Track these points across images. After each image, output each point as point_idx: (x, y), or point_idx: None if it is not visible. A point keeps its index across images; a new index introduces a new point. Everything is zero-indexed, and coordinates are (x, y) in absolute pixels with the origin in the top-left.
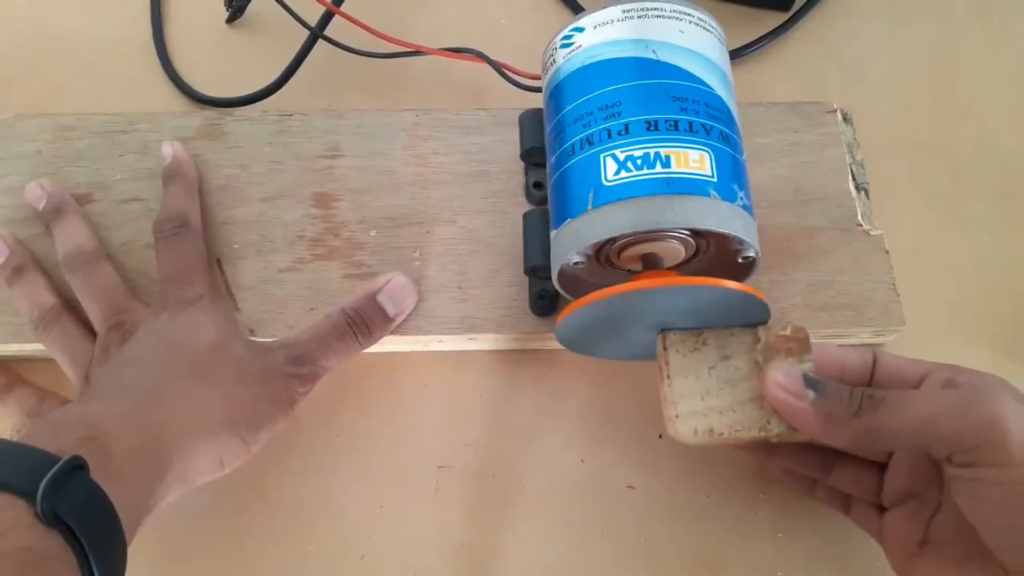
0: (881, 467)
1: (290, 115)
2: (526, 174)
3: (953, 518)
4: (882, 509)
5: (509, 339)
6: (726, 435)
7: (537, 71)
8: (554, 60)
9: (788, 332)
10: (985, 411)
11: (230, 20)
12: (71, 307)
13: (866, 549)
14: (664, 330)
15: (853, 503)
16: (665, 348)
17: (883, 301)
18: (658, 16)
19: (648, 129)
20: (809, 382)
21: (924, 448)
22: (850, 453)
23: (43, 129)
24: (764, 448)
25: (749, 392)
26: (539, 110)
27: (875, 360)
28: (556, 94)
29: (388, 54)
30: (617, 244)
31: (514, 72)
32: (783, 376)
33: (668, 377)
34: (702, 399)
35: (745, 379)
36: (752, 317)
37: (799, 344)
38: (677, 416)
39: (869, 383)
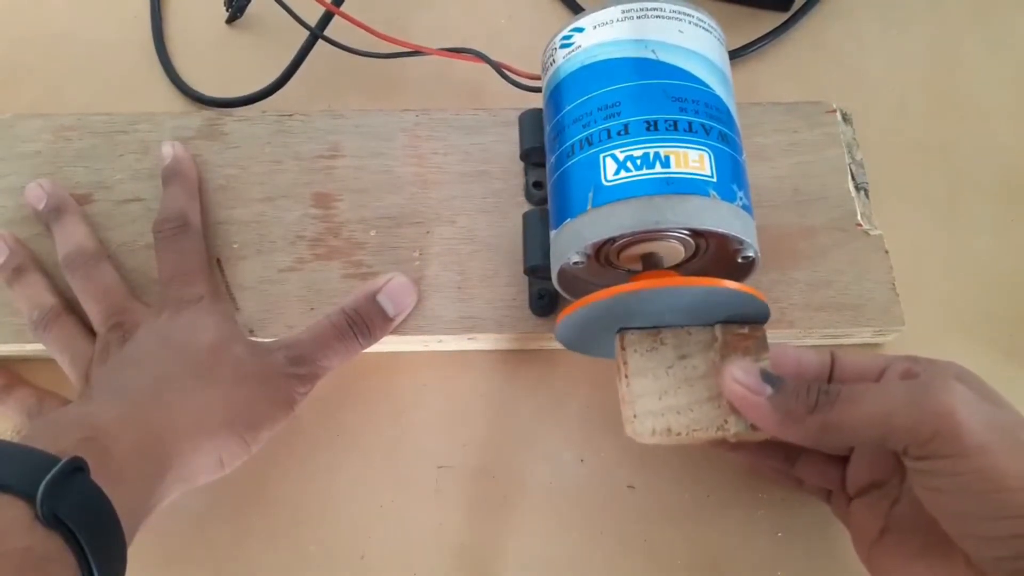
0: (843, 460)
1: (290, 115)
2: (526, 174)
3: (912, 508)
4: (850, 500)
5: (509, 339)
6: (684, 435)
7: (537, 71)
8: (554, 60)
9: (746, 331)
10: (936, 404)
11: (230, 20)
12: (71, 307)
13: None
14: (622, 329)
15: (831, 493)
16: (623, 348)
17: (882, 301)
18: (657, 16)
19: (648, 129)
20: (767, 378)
21: (881, 442)
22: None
23: (43, 129)
24: (726, 444)
25: (707, 391)
26: (539, 110)
27: (833, 360)
28: (556, 94)
29: (388, 54)
30: (617, 244)
31: (514, 72)
32: (741, 372)
33: (626, 377)
34: (660, 399)
35: (702, 378)
36: (752, 317)
37: (756, 343)
38: (635, 416)
39: (828, 382)
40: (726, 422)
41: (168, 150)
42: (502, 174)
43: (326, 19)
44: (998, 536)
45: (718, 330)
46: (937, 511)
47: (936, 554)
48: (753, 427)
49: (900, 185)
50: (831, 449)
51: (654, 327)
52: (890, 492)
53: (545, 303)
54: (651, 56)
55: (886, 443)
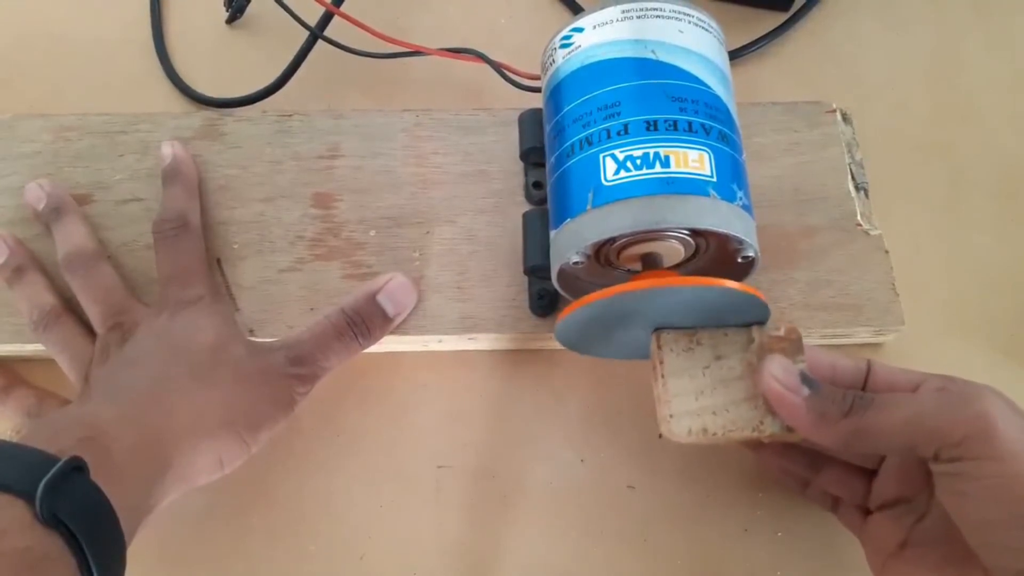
0: (868, 472)
1: (290, 115)
2: (526, 174)
3: (938, 524)
4: (866, 512)
5: (509, 339)
6: (720, 435)
7: (537, 71)
8: (553, 60)
9: (782, 333)
10: (972, 407)
11: (230, 20)
12: (71, 307)
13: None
14: (658, 329)
15: (840, 503)
16: (660, 347)
17: (882, 301)
18: (657, 16)
19: (647, 129)
20: (805, 379)
21: (911, 448)
22: (839, 458)
23: (43, 129)
24: (753, 445)
25: (743, 392)
26: (538, 110)
27: (869, 369)
28: (555, 94)
29: (388, 54)
30: (616, 244)
31: (514, 72)
32: (780, 370)
33: (663, 376)
34: (696, 399)
35: (739, 379)
36: (752, 317)
37: (792, 345)
38: (671, 416)
39: (863, 390)
40: (762, 423)
41: (168, 150)
42: (502, 174)
43: (326, 19)
44: (1020, 547)
45: (755, 331)
46: (961, 518)
47: (952, 568)
48: (788, 428)
49: (900, 185)
50: (860, 456)
51: (691, 328)
52: (916, 508)
53: (545, 303)
54: (651, 56)
55: (917, 449)
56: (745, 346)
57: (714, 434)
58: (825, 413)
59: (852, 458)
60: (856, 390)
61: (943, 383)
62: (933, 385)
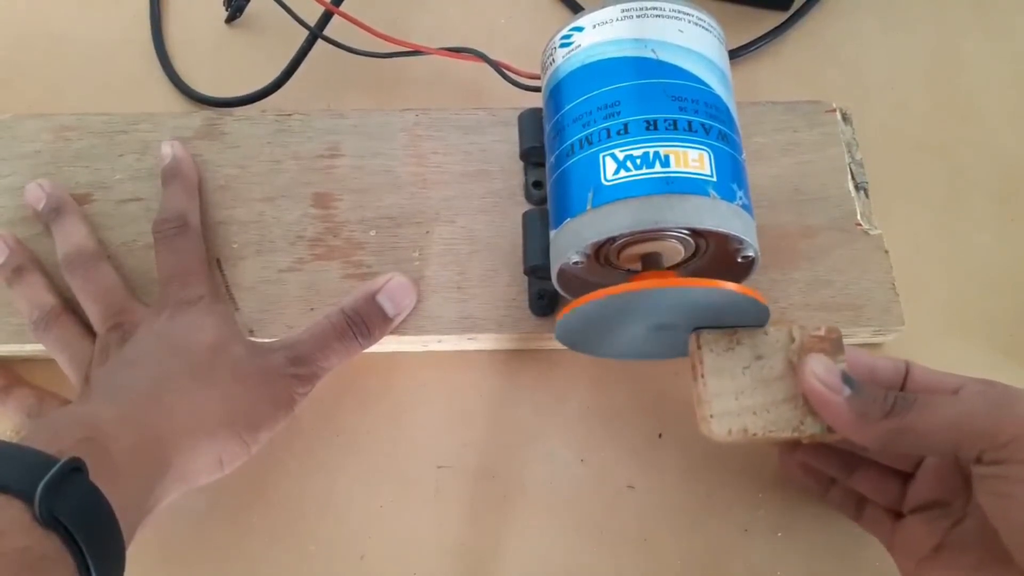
0: (902, 475)
1: (289, 115)
2: (526, 174)
3: (974, 527)
4: (897, 515)
5: (509, 339)
6: (760, 435)
7: (536, 71)
8: (553, 60)
9: (822, 333)
10: (1019, 408)
11: (229, 20)
12: (71, 307)
13: (866, 549)
14: (697, 329)
15: (866, 507)
16: (699, 347)
17: (882, 301)
18: (657, 15)
19: (647, 128)
20: (846, 379)
21: (954, 449)
22: (875, 460)
23: (43, 129)
24: (791, 445)
25: (783, 392)
26: (538, 110)
27: (908, 371)
28: (555, 94)
29: (388, 54)
30: (616, 244)
31: (513, 72)
32: (822, 369)
33: (702, 376)
34: (736, 399)
35: (779, 379)
36: (751, 318)
37: (832, 345)
38: (712, 416)
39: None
40: (802, 423)
41: (168, 150)
42: (502, 174)
43: (325, 19)
44: None
45: (795, 331)
46: (1001, 521)
47: (990, 570)
48: (828, 429)
49: (900, 185)
50: (898, 460)
51: (730, 328)
52: (953, 511)
53: (545, 303)
54: (651, 55)
55: (959, 449)
56: (785, 346)
57: (754, 434)
58: (866, 413)
59: (888, 460)
60: (896, 391)
61: (985, 386)
62: (976, 388)
